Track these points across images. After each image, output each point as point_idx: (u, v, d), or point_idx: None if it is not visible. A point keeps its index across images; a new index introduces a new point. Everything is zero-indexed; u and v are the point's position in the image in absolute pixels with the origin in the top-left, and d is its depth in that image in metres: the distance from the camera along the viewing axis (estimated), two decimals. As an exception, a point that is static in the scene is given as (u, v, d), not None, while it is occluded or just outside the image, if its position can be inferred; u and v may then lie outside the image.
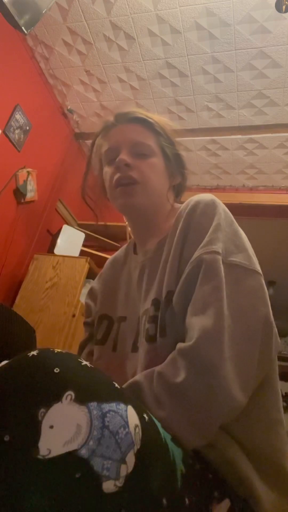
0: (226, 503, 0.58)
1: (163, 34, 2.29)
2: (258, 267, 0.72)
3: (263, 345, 0.65)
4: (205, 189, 3.42)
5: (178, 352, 0.64)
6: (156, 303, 0.77)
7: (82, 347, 0.98)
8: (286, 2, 1.87)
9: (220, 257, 0.69)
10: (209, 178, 3.41)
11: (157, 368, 0.64)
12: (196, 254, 0.71)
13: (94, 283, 1.04)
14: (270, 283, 4.85)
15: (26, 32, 1.88)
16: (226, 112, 2.73)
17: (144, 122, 0.90)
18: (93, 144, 0.97)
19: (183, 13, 2.14)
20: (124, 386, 0.65)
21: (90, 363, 0.48)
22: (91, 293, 1.03)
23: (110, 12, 2.23)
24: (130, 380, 0.66)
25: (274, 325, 0.68)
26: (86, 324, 1.00)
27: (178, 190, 0.97)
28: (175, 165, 0.93)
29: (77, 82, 2.77)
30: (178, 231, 0.80)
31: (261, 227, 3.62)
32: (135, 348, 0.80)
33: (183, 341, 0.65)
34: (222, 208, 0.79)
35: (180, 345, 0.64)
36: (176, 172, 0.94)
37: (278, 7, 1.93)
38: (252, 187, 3.38)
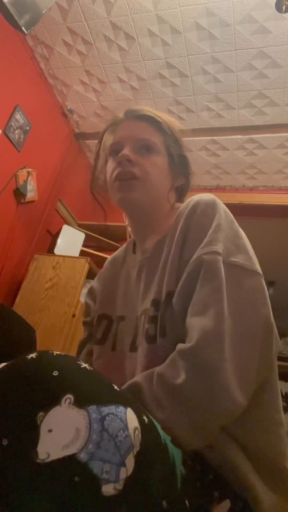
0: (226, 504, 0.58)
1: (163, 34, 2.29)
2: (258, 268, 0.72)
3: (263, 346, 0.65)
4: (205, 189, 3.42)
5: (178, 353, 0.63)
6: (156, 303, 0.77)
7: (81, 346, 0.98)
8: (286, 2, 1.86)
9: (220, 258, 0.69)
10: (209, 178, 3.41)
11: (157, 369, 0.64)
12: (196, 254, 0.71)
13: (94, 283, 1.04)
14: (270, 283, 4.84)
15: (26, 32, 1.88)
16: (226, 112, 2.73)
17: (152, 121, 0.89)
18: (101, 138, 0.97)
19: (183, 13, 2.14)
20: (123, 387, 0.65)
21: (89, 365, 0.48)
22: (91, 293, 1.02)
23: (110, 12, 2.23)
24: (130, 381, 0.66)
25: (274, 325, 0.68)
26: (85, 323, 1.00)
27: (181, 191, 0.96)
28: (180, 166, 0.92)
29: (77, 82, 2.77)
30: (178, 231, 0.79)
31: (261, 227, 3.62)
32: (133, 348, 0.80)
33: (183, 341, 0.65)
34: (222, 208, 0.79)
35: (180, 346, 0.64)
36: (180, 173, 0.93)
37: (278, 7, 1.92)
38: (252, 187, 3.38)
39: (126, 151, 0.85)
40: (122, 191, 0.85)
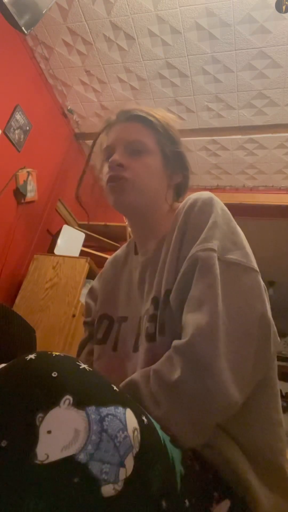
0: (226, 504, 0.58)
1: (163, 34, 2.29)
2: (255, 265, 0.72)
3: (259, 343, 0.64)
4: (205, 189, 3.40)
5: (173, 350, 0.64)
6: (155, 301, 0.78)
7: (81, 346, 0.98)
8: (286, 2, 1.86)
9: (215, 255, 0.69)
10: (209, 178, 3.41)
11: (153, 366, 0.65)
12: (192, 252, 0.71)
13: (95, 283, 1.04)
14: (270, 283, 4.85)
15: (26, 32, 1.88)
16: (226, 112, 2.73)
17: (144, 121, 0.88)
18: (94, 142, 0.96)
19: (183, 13, 2.14)
20: (121, 385, 0.65)
21: (88, 366, 0.48)
22: (91, 293, 1.02)
23: (110, 12, 2.23)
24: (127, 379, 0.66)
25: (272, 323, 0.67)
26: (86, 323, 1.00)
27: (179, 189, 0.95)
28: (175, 164, 0.91)
29: (77, 82, 2.77)
30: (176, 230, 0.80)
31: (261, 227, 3.62)
32: (136, 348, 0.80)
33: (180, 339, 0.65)
34: (219, 206, 0.79)
35: (175, 342, 0.64)
36: (176, 171, 0.92)
37: (278, 7, 1.92)
38: (252, 187, 3.38)
39: (116, 155, 0.85)
40: (114, 194, 0.85)
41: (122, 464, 0.42)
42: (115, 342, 0.86)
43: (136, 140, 0.87)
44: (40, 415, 0.40)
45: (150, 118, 0.89)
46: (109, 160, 0.85)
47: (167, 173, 0.90)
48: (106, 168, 0.88)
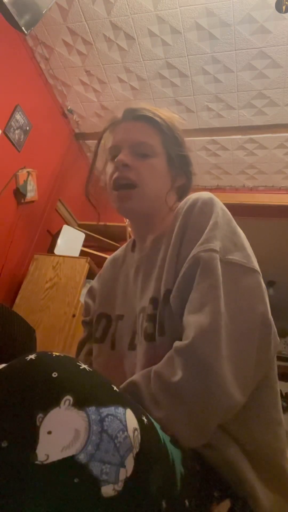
0: (226, 504, 0.59)
1: (163, 34, 2.28)
2: (256, 266, 0.72)
3: (260, 344, 0.65)
4: (205, 189, 3.41)
5: (175, 351, 0.64)
6: (154, 301, 0.77)
7: (80, 346, 0.98)
8: (286, 2, 1.86)
9: (217, 255, 0.69)
10: (209, 178, 3.41)
11: (154, 368, 0.64)
12: (193, 252, 0.71)
13: (94, 282, 1.04)
14: (270, 283, 4.85)
15: (26, 32, 1.88)
16: (226, 112, 2.73)
17: (150, 121, 0.88)
18: (99, 139, 0.96)
19: (183, 13, 2.14)
20: (121, 386, 0.65)
21: (88, 366, 0.48)
22: (91, 292, 1.03)
23: (110, 12, 2.23)
24: (128, 380, 0.66)
25: (272, 324, 0.67)
26: (84, 323, 1.00)
27: (182, 191, 0.95)
28: (180, 165, 0.91)
29: (77, 82, 2.77)
30: (176, 230, 0.79)
31: (261, 227, 3.62)
32: (132, 346, 0.80)
33: (181, 339, 0.65)
34: (220, 206, 0.78)
35: (177, 343, 0.64)
36: (180, 173, 0.92)
37: (278, 7, 1.92)
38: (252, 187, 3.38)
39: (122, 155, 0.85)
40: (120, 202, 0.85)
41: (122, 465, 0.42)
42: (113, 341, 0.86)
43: (142, 141, 0.86)
44: (40, 415, 0.40)
45: (157, 118, 0.88)
46: (115, 160, 0.85)
47: (171, 175, 0.90)
48: (110, 168, 0.88)
